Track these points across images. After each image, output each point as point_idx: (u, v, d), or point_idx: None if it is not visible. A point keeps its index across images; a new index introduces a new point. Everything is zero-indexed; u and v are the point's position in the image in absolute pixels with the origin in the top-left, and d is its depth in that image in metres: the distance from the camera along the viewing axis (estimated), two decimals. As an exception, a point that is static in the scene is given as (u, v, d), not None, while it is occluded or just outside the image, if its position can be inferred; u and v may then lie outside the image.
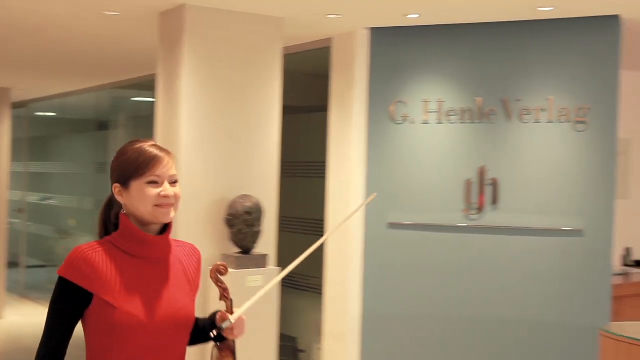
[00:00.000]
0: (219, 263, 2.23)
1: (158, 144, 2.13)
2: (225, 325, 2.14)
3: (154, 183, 2.05)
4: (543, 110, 4.92)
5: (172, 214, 2.09)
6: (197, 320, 2.22)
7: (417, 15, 4.92)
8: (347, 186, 5.39)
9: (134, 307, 2.01)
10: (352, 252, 5.33)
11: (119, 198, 2.09)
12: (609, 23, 4.77)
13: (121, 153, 2.11)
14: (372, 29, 5.31)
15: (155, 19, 5.10)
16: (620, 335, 3.36)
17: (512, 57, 5.01)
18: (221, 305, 2.27)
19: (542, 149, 4.93)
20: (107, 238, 2.10)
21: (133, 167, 2.05)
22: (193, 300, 2.18)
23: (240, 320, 2.16)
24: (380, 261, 5.25)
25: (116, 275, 2.02)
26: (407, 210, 5.20)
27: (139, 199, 2.04)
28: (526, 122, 4.96)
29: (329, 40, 5.60)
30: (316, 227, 6.00)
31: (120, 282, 2.02)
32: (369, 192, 5.26)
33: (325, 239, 2.25)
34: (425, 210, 5.15)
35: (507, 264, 4.96)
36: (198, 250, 2.27)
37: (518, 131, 4.98)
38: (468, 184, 5.03)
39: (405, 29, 5.22)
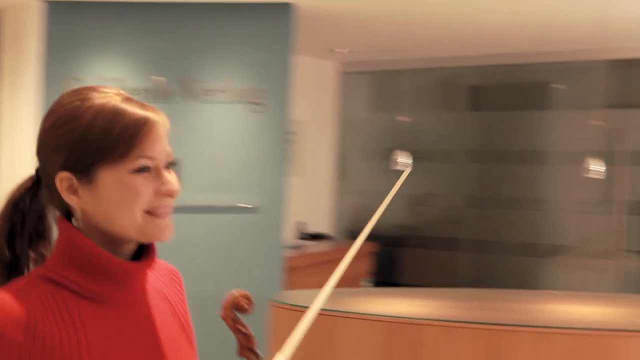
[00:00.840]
0: (236, 294, 1.34)
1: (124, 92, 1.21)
2: None
3: (144, 171, 1.17)
4: (222, 91, 5.05)
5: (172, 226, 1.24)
6: None
7: (95, -10, 4.78)
8: (22, 167, 5.09)
9: None
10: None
11: (68, 198, 1.16)
12: (282, 9, 5.02)
13: (69, 116, 1.16)
14: (48, 2, 5.05)
15: None
16: (287, 304, 3.57)
17: (193, 38, 5.07)
18: None
19: (221, 129, 5.06)
20: (41, 271, 1.16)
21: (104, 142, 1.14)
22: (196, 357, 1.34)
23: None
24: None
25: (74, 339, 1.10)
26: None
27: (117, 199, 1.15)
28: (207, 103, 5.05)
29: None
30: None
31: (82, 348, 1.10)
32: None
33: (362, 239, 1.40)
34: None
35: (190, 242, 5.03)
36: (177, 271, 1.41)
37: (199, 111, 5.07)
38: (149, 163, 5.01)
39: (84, 4, 5.04)
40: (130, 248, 1.22)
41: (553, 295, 4.77)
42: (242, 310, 1.30)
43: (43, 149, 1.19)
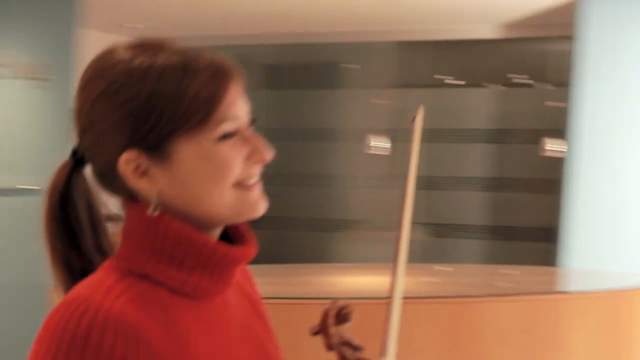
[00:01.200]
0: (336, 305, 1.16)
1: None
2: None
3: (229, 136, 0.95)
4: (3, 66, 4.79)
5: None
6: None
7: None
8: None
9: None
10: None
11: (135, 183, 0.94)
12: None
13: (124, 79, 0.91)
14: None
15: None
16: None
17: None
18: None
19: (2, 105, 4.81)
20: (116, 263, 0.94)
21: (178, 107, 0.90)
22: None
23: None
24: None
25: (175, 343, 0.90)
26: None
27: (203, 176, 0.93)
28: (-13, 79, 4.77)
29: None
30: None
31: (185, 355, 0.91)
32: None
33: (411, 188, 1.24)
34: None
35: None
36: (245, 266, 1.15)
37: (-23, 87, 4.77)
38: None
39: None
40: (217, 233, 1.00)
41: (342, 267, 4.96)
42: (343, 320, 1.15)
43: (93, 125, 0.94)
